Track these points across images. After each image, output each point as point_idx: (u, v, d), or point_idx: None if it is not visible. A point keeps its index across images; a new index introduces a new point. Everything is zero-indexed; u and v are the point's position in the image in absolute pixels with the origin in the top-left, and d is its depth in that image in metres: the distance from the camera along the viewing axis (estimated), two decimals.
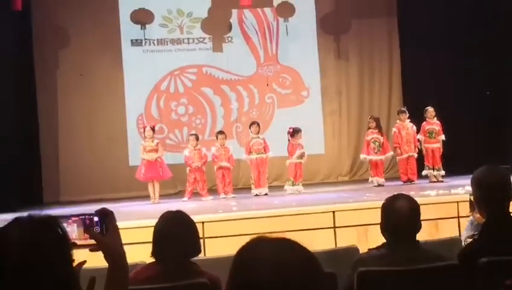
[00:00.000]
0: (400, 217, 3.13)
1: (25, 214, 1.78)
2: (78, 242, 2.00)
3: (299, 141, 10.91)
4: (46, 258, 1.66)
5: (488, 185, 3.14)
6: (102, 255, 2.06)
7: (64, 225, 1.96)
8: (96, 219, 2.04)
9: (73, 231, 2.01)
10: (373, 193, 9.45)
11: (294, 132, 10.91)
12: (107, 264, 2.07)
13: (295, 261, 1.38)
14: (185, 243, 3.28)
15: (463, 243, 4.87)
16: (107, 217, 2.05)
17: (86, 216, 2.04)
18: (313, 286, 1.36)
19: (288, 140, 10.97)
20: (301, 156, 10.84)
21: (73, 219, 2.03)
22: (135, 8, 12.68)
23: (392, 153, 11.32)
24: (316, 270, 1.39)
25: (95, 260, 2.27)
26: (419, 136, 11.13)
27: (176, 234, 3.27)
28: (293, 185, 10.82)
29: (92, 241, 2.03)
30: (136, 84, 12.86)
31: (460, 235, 6.47)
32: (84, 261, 1.95)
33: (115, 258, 2.04)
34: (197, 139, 10.94)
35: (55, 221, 1.78)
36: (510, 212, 3.21)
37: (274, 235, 1.45)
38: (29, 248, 1.66)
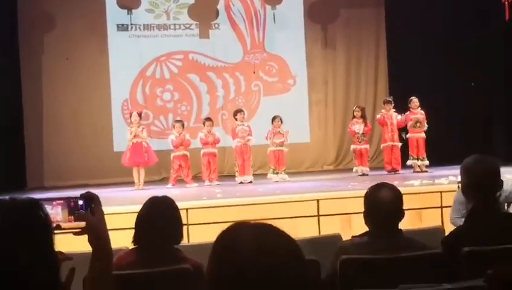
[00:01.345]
0: (383, 206, 3.15)
1: (6, 197, 1.77)
2: (63, 225, 1.99)
3: (279, 129, 10.91)
4: (27, 241, 1.65)
5: (476, 174, 3.17)
6: (87, 238, 2.05)
7: (49, 207, 1.95)
8: (81, 202, 2.03)
9: (57, 213, 2.00)
10: (357, 182, 9.49)
11: (272, 119, 10.95)
12: (91, 249, 2.07)
13: (276, 246, 1.38)
14: (167, 229, 3.28)
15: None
16: (92, 201, 2.05)
17: (71, 199, 2.03)
18: (293, 271, 1.37)
19: None
20: (280, 144, 10.86)
21: (57, 201, 2.02)
22: None
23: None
24: (297, 255, 1.40)
25: (80, 245, 2.26)
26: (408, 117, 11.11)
27: (158, 220, 3.27)
28: (274, 172, 10.84)
29: (77, 224, 2.02)
30: (121, 70, 12.78)
31: (443, 224, 6.54)
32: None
33: (100, 241, 2.04)
34: (183, 126, 10.91)
35: (37, 204, 1.77)
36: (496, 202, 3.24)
37: (254, 221, 1.45)
38: (10, 231, 1.64)
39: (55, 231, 1.89)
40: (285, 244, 1.40)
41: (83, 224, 2.02)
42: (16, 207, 1.72)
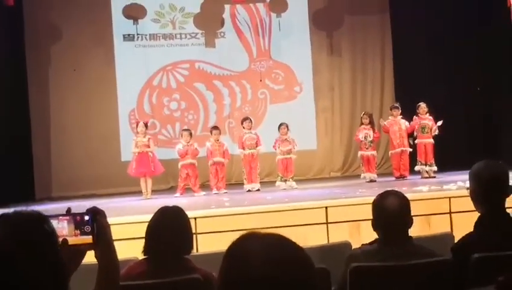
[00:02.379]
0: (390, 214, 3.14)
1: (10, 210, 1.76)
2: (70, 239, 2.00)
3: (285, 136, 10.88)
4: (33, 255, 1.64)
5: (486, 179, 3.15)
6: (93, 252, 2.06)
7: (55, 221, 1.96)
8: (87, 217, 2.04)
9: (63, 227, 2.02)
10: (365, 189, 9.46)
11: (278, 127, 10.95)
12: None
13: (286, 256, 1.38)
14: (178, 239, 3.27)
15: None
16: (97, 215, 2.05)
17: (77, 214, 2.05)
18: (303, 281, 1.37)
19: None
20: (287, 152, 10.83)
21: (63, 216, 2.04)
22: (127, 2, 12.63)
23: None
24: (307, 265, 1.40)
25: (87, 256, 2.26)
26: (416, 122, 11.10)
27: (169, 230, 3.26)
28: (282, 180, 10.82)
29: (83, 239, 2.03)
30: (128, 80, 12.83)
31: (452, 230, 6.51)
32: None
33: (108, 256, 2.04)
34: (191, 135, 10.90)
35: (42, 217, 1.77)
36: (506, 208, 3.21)
37: (265, 231, 1.45)
38: (15, 245, 1.63)
39: (63, 246, 1.90)
40: (295, 255, 1.40)
41: (88, 239, 2.03)
42: (18, 221, 1.71)
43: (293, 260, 1.38)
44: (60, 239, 1.95)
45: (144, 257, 3.32)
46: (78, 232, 2.03)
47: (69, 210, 2.05)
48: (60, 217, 2.03)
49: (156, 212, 3.40)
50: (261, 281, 1.34)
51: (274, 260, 1.36)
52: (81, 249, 2.03)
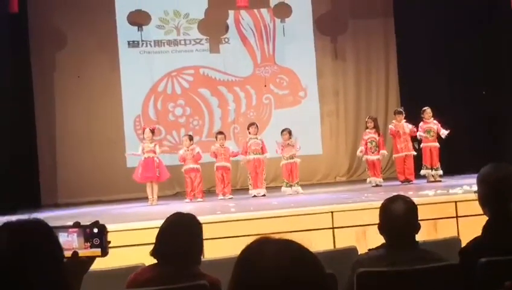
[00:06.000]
0: (397, 218, 3.13)
1: (13, 218, 1.75)
2: (80, 252, 2.01)
3: (288, 141, 10.86)
4: (35, 264, 1.63)
5: (493, 182, 3.12)
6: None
7: (64, 234, 1.97)
8: (95, 230, 2.04)
9: (73, 240, 2.02)
10: (371, 193, 9.44)
11: (280, 133, 10.92)
12: (112, 266, 2.08)
13: (299, 261, 1.38)
14: (188, 246, 3.26)
15: None
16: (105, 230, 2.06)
17: (86, 227, 2.05)
18: (315, 286, 1.37)
19: None
20: (291, 157, 10.81)
21: (73, 229, 2.04)
22: (132, 9, 12.64)
23: (385, 151, 11.31)
24: (319, 270, 1.40)
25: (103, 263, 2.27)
26: (419, 133, 11.08)
27: (181, 236, 3.25)
28: (287, 185, 10.79)
29: (93, 251, 2.03)
30: (133, 86, 12.84)
31: (458, 234, 6.49)
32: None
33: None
34: (191, 139, 10.90)
35: (45, 225, 1.76)
36: None
37: (277, 236, 1.46)
38: (18, 252, 1.62)
39: (74, 259, 1.91)
40: (307, 260, 1.40)
41: (97, 251, 2.03)
42: (22, 229, 1.70)
43: (307, 266, 1.39)
44: (70, 252, 1.96)
45: (151, 259, 3.31)
46: (88, 245, 2.03)
47: (77, 223, 2.05)
48: (70, 229, 2.03)
49: (170, 217, 3.39)
50: (273, 286, 1.34)
51: (287, 265, 1.37)
52: (89, 259, 2.03)
